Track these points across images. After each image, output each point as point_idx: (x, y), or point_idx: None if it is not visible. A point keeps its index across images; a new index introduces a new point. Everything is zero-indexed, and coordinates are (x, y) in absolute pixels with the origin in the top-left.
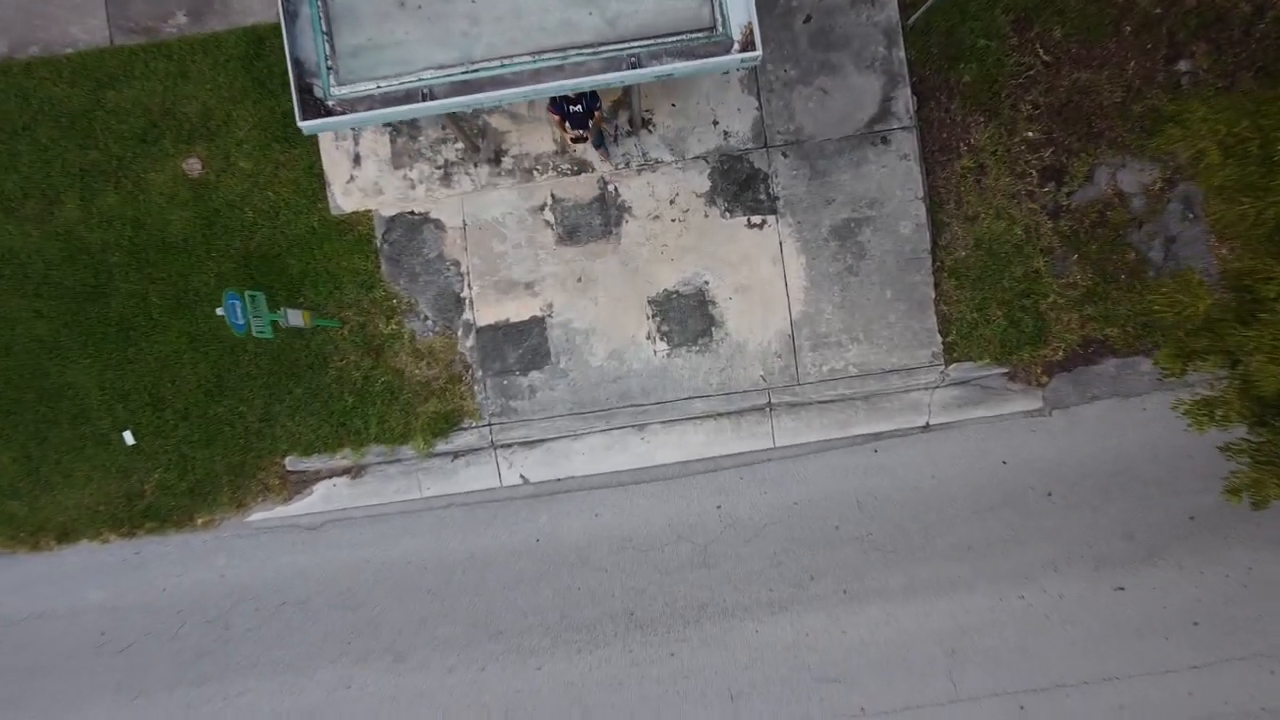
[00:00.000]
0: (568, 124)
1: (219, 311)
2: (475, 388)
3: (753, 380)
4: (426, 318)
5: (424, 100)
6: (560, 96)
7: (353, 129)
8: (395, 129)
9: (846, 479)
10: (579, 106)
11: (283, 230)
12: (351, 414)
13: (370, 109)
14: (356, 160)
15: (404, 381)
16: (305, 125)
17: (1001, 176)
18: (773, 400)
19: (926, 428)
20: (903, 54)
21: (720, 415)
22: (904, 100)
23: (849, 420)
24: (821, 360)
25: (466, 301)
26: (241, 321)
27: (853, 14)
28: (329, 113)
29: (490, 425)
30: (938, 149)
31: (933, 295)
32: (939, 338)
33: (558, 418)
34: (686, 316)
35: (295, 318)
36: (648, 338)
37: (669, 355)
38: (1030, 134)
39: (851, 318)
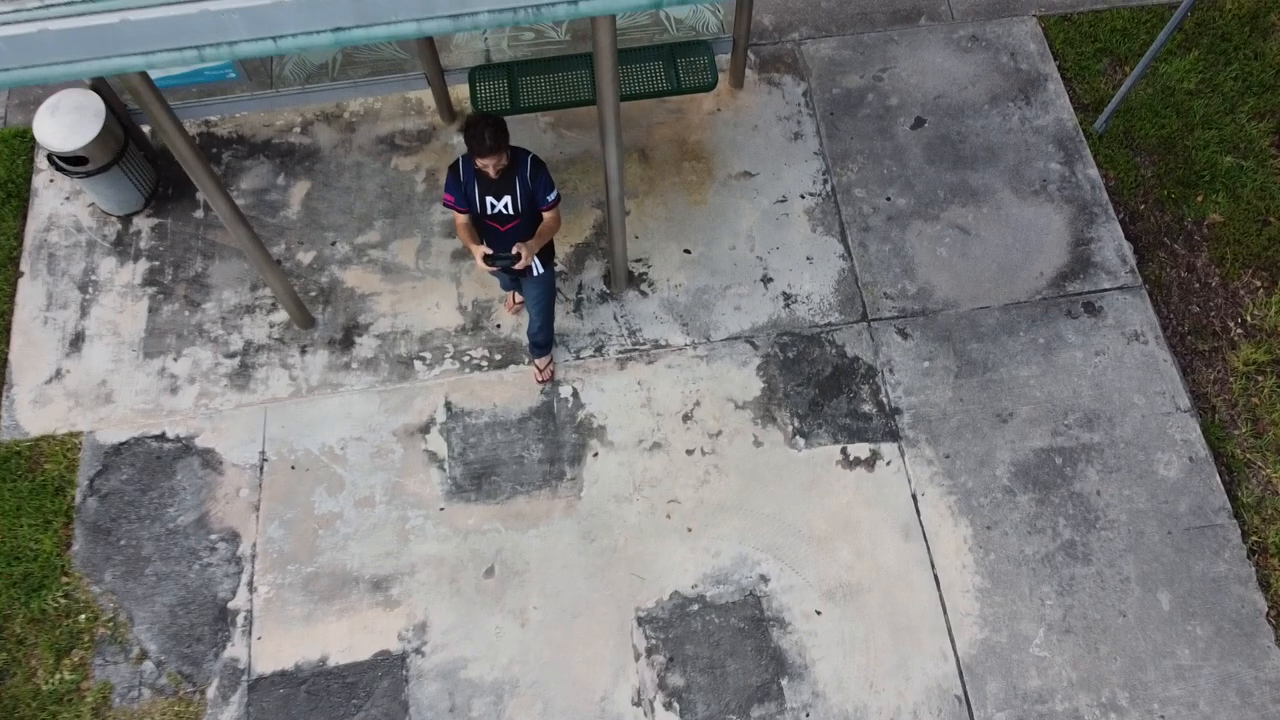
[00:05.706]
0: (481, 236)
1: None
2: None
3: None
4: (146, 655)
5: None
6: (468, 167)
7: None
8: (164, 286)
9: None
10: (506, 201)
11: None
12: None
13: None
14: (75, 342)
15: None
16: None
17: None
18: None
19: None
20: (1094, 172)
21: None
22: (1114, 243)
23: None
24: None
25: (238, 619)
26: None
27: (994, 115)
28: None
29: None
30: (1188, 330)
31: (1263, 605)
32: None
33: None
34: (723, 653)
35: None
36: (636, 702)
37: None
38: None
39: (1092, 654)
